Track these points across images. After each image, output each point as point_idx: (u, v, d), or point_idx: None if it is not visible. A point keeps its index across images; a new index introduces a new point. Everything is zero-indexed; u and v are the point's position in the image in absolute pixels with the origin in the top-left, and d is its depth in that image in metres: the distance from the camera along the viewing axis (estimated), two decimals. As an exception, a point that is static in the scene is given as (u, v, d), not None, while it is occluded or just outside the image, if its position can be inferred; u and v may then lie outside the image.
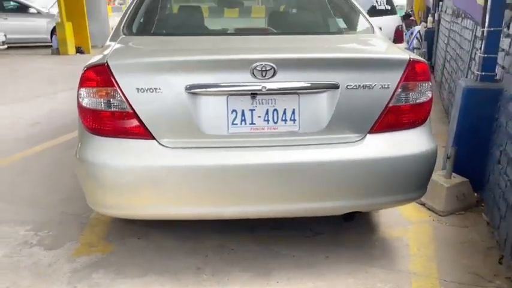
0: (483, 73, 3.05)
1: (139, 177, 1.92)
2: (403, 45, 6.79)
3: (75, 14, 11.29)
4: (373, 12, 6.62)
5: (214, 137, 1.94)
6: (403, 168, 2.04)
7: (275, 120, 1.96)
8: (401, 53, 2.09)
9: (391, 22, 6.62)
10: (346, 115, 1.98)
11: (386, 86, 1.98)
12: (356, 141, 2.02)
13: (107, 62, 1.88)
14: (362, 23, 2.61)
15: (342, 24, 2.75)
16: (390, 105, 2.01)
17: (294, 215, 2.24)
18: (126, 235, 2.55)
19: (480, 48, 3.09)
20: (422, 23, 9.62)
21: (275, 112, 1.95)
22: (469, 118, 3.03)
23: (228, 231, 2.56)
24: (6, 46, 11.12)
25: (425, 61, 2.08)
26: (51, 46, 11.81)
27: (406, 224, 2.73)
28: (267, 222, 2.60)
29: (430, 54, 8.42)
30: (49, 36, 12.34)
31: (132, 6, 2.57)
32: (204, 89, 1.89)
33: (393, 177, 2.04)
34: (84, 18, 11.45)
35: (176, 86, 1.87)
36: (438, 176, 2.99)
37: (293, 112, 1.96)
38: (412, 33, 9.15)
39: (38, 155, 3.94)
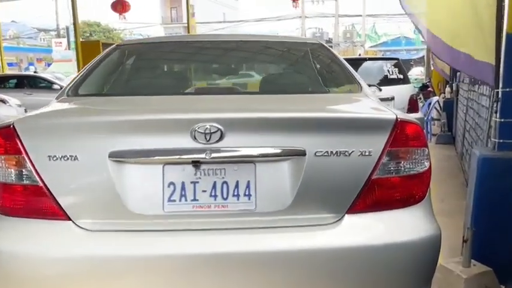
0: (501, 140, 2.60)
1: (50, 269, 1.51)
2: (419, 115, 6.41)
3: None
4: (385, 81, 6.35)
5: (146, 217, 1.53)
6: (393, 261, 1.56)
7: (224, 196, 1.55)
8: (386, 112, 1.69)
9: (405, 91, 6.31)
10: (316, 189, 1.56)
11: (367, 153, 1.57)
12: (331, 223, 1.57)
13: (13, 124, 1.55)
14: (349, 81, 2.26)
15: (329, 84, 2.41)
16: (374, 177, 1.58)
17: None
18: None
19: (496, 113, 2.67)
20: (442, 94, 9.33)
21: (224, 185, 1.55)
22: (487, 193, 2.53)
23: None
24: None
25: (419, 123, 1.68)
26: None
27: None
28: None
29: (450, 124, 8.00)
30: (69, 111, 12.59)
31: (88, 66, 2.32)
32: (132, 157, 1.52)
33: (381, 273, 1.56)
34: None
35: (97, 152, 1.51)
36: (454, 265, 2.45)
37: (248, 185, 1.55)
38: (430, 104, 8.80)
39: None
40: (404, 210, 1.63)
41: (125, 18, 16.10)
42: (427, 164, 1.66)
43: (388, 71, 6.46)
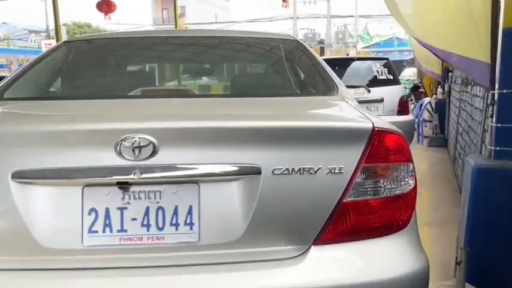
0: (498, 148, 2.32)
1: None
2: (409, 117, 6.14)
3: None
4: (375, 82, 6.07)
5: (60, 252, 1.22)
6: None
7: (160, 225, 1.24)
8: (362, 119, 1.40)
9: (394, 92, 6.02)
10: (274, 215, 1.26)
11: (338, 171, 1.27)
12: (294, 257, 1.27)
13: None
14: (324, 82, 1.96)
15: (300, 85, 2.10)
16: (346, 199, 1.29)
17: None
18: None
19: (492, 117, 2.39)
20: (434, 95, 9.11)
21: (160, 212, 1.24)
22: (483, 207, 2.25)
23: None
24: None
25: (401, 133, 1.38)
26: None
27: None
28: None
29: (442, 126, 7.76)
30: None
31: (25, 65, 2.00)
32: (42, 178, 1.21)
33: None
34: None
35: None
36: (447, 290, 2.16)
37: (189, 212, 1.25)
38: (421, 105, 8.56)
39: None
40: (385, 239, 1.34)
41: (110, 18, 15.78)
42: (411, 182, 1.36)
43: (378, 71, 6.18)
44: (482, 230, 2.22)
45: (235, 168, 1.24)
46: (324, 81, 1.94)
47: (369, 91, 5.83)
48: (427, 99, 8.90)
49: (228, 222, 1.25)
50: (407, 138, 1.37)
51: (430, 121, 8.31)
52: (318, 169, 1.26)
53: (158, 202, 1.24)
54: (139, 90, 1.93)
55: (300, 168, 1.25)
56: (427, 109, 8.56)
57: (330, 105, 1.69)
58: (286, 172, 1.25)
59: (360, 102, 5.99)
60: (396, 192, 1.33)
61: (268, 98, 1.73)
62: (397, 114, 5.85)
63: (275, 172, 1.24)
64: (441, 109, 7.82)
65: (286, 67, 2.14)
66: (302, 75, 2.15)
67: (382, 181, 1.32)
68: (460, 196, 4.23)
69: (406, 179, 1.35)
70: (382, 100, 5.82)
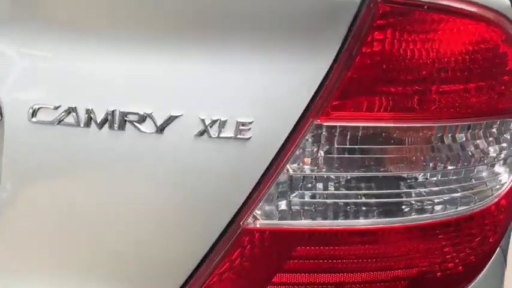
0: None
1: None
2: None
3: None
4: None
5: None
6: None
7: None
8: None
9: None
10: (41, 238, 0.45)
11: (233, 133, 0.39)
12: None
13: None
14: None
15: None
16: (249, 224, 0.41)
17: None
18: None
19: None
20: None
21: None
22: None
23: None
24: None
25: (497, 10, 0.41)
26: None
27: None
28: None
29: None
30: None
31: None
32: None
33: None
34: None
35: None
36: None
37: None
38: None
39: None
40: None
41: None
42: (504, 177, 0.43)
43: None
44: None
45: None
46: None
47: None
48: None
49: None
50: None
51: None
52: (168, 121, 0.39)
53: None
54: None
55: (113, 113, 0.39)
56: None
57: None
58: (71, 121, 0.40)
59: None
60: (453, 208, 0.42)
61: None
62: None
63: (39, 117, 0.41)
64: None
65: None
66: None
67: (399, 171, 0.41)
68: None
69: (488, 165, 0.42)
70: None
